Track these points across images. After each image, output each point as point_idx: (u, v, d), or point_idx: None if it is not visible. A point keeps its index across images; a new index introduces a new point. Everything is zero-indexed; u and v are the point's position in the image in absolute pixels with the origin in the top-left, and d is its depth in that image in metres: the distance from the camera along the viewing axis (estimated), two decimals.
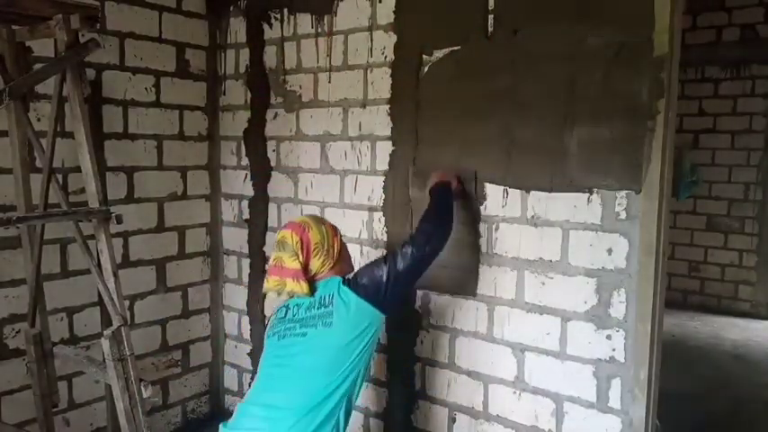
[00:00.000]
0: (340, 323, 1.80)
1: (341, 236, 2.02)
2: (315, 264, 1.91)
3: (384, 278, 1.84)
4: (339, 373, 1.77)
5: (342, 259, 1.99)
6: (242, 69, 3.02)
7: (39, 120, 2.40)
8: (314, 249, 1.90)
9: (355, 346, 1.80)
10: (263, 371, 1.89)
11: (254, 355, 3.11)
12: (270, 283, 1.91)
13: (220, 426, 1.85)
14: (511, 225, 2.19)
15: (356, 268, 2.01)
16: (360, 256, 2.62)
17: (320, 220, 2.00)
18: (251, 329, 3.12)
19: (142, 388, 1.94)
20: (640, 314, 1.93)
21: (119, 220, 1.93)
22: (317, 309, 1.85)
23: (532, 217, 2.14)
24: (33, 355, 2.15)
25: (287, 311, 1.92)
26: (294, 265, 1.87)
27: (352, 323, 1.81)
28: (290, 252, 1.88)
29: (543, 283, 2.13)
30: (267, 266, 1.99)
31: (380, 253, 2.55)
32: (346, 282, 1.87)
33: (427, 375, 2.46)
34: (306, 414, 1.72)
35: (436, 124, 2.35)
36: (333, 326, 1.80)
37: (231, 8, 3.02)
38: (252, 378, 3.12)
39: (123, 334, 1.91)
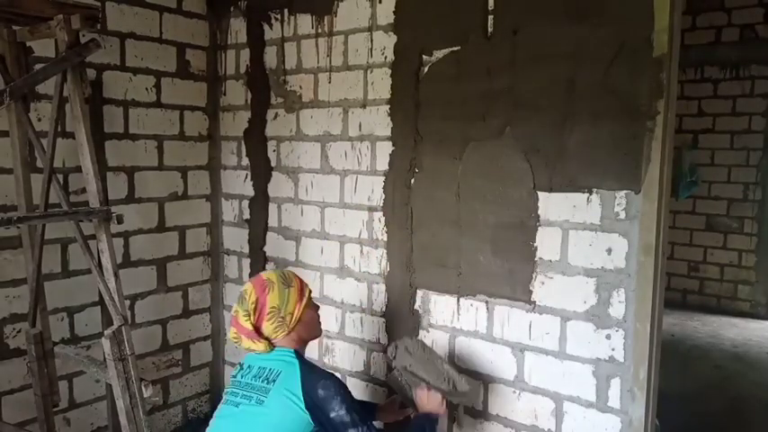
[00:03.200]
0: (273, 410, 1.68)
1: (310, 298, 1.87)
2: (267, 328, 1.77)
3: (328, 415, 1.67)
4: None
5: (302, 326, 1.83)
6: (242, 69, 3.02)
7: (39, 120, 2.40)
8: (268, 313, 1.77)
9: None
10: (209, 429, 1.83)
11: None
12: (230, 333, 1.83)
13: None
14: None
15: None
16: (360, 256, 2.63)
17: (288, 281, 1.83)
18: None
19: (143, 387, 1.95)
20: (640, 314, 1.93)
21: (119, 219, 1.94)
22: (260, 380, 1.74)
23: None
24: (34, 354, 2.16)
25: (239, 371, 1.83)
26: (246, 324, 1.76)
27: (287, 420, 1.67)
28: (243, 310, 1.77)
29: (543, 283, 2.13)
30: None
31: (380, 253, 2.55)
32: (304, 374, 1.72)
33: None
34: None
35: (436, 124, 2.35)
36: (264, 406, 1.68)
37: (231, 8, 3.02)
38: None
39: (124, 334, 1.92)
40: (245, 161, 3.06)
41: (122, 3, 2.70)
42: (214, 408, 3.24)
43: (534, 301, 2.15)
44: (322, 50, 2.70)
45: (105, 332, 1.92)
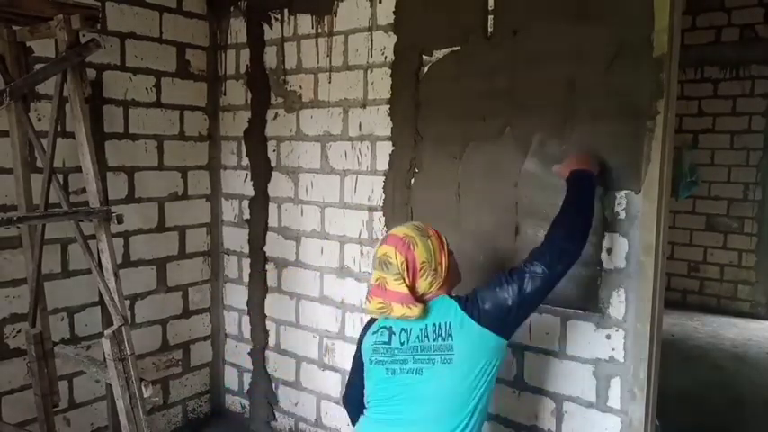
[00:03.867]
0: (462, 359, 1.59)
1: (447, 245, 1.75)
2: (422, 285, 1.67)
3: (509, 302, 1.61)
4: (463, 416, 1.59)
5: (451, 275, 1.74)
6: (242, 69, 3.02)
7: (39, 120, 2.40)
8: (420, 269, 1.65)
9: (479, 382, 1.60)
10: (374, 411, 1.71)
11: (255, 355, 3.12)
12: (373, 304, 1.69)
13: None
14: None
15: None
16: (360, 256, 2.63)
17: (424, 232, 1.72)
18: (251, 329, 3.12)
19: (143, 387, 1.95)
20: (640, 314, 1.93)
21: (119, 219, 1.94)
22: (433, 339, 1.62)
23: None
24: (34, 354, 2.16)
25: (391, 336, 1.69)
26: (400, 288, 1.64)
27: (476, 358, 1.60)
28: (394, 273, 1.65)
29: None
30: (368, 285, 1.77)
31: None
32: (464, 305, 1.64)
33: None
34: None
35: (436, 124, 2.35)
36: (453, 363, 1.59)
37: (231, 8, 3.03)
38: (252, 377, 3.13)
39: (124, 334, 1.92)
40: (245, 161, 3.06)
41: (122, 3, 2.70)
42: (214, 408, 3.28)
43: None
44: (322, 50, 2.70)
45: (105, 332, 1.92)
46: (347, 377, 1.95)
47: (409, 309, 1.64)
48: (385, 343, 1.70)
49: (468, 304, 1.64)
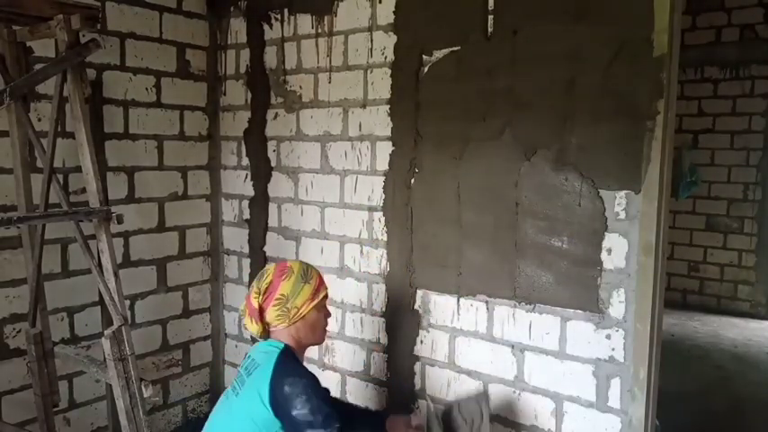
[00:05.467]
0: (243, 400, 1.70)
1: (323, 301, 1.87)
2: (270, 313, 1.80)
3: (298, 418, 1.64)
4: None
5: (304, 327, 1.83)
6: (242, 69, 3.02)
7: (39, 120, 2.40)
8: (276, 299, 1.79)
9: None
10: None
11: None
12: (242, 305, 1.90)
13: None
14: None
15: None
16: (360, 256, 2.63)
17: (307, 276, 1.84)
18: None
19: (143, 387, 1.95)
20: (640, 314, 1.93)
21: (119, 219, 1.94)
22: (245, 371, 1.77)
23: None
24: (34, 354, 2.16)
25: (243, 360, 1.86)
26: (254, 302, 1.81)
27: (252, 413, 1.67)
28: (256, 287, 1.82)
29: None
30: None
31: (380, 253, 2.55)
32: (277, 367, 1.70)
33: (427, 375, 2.47)
34: None
35: (436, 124, 2.35)
36: (239, 397, 1.72)
37: (231, 8, 3.03)
38: None
39: (124, 334, 1.92)
40: (245, 161, 3.06)
41: (122, 3, 2.70)
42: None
43: (534, 301, 2.15)
44: (322, 50, 2.70)
45: (105, 332, 1.92)
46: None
47: (251, 322, 1.82)
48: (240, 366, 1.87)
49: (279, 373, 1.69)
